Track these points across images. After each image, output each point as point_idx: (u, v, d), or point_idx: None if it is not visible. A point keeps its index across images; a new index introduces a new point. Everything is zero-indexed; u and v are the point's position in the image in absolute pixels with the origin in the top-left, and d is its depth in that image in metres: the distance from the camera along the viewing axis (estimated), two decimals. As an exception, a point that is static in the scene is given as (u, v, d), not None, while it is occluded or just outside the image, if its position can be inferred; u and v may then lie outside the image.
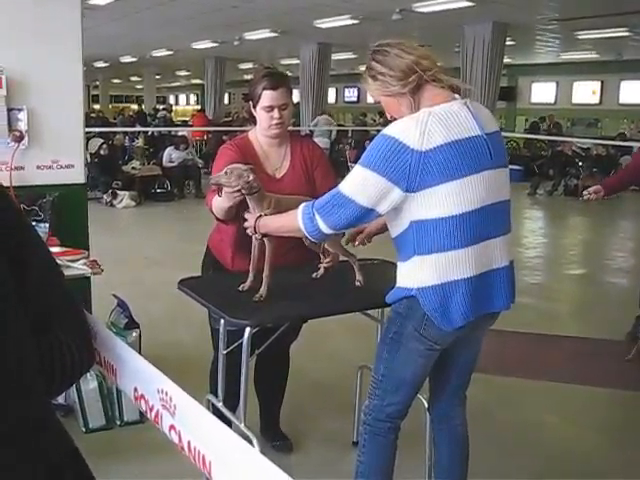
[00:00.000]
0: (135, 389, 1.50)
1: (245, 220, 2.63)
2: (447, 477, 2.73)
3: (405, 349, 2.41)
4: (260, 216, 2.57)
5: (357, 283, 2.82)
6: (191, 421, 1.31)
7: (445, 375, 2.62)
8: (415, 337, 2.37)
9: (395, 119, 2.34)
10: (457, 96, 2.32)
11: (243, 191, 2.57)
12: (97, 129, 15.15)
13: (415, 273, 2.32)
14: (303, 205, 2.37)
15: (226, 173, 2.57)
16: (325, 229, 2.31)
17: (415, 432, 2.85)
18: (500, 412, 4.03)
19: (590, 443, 3.74)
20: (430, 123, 2.18)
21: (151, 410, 1.42)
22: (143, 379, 1.48)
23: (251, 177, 2.55)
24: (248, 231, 2.62)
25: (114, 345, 1.56)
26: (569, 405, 4.29)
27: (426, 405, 2.78)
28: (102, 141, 12.90)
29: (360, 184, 2.24)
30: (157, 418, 1.40)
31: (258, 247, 2.69)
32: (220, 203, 2.75)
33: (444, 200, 2.21)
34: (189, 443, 1.28)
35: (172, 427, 1.34)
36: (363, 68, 2.45)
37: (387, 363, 2.48)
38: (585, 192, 4.97)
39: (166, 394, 1.36)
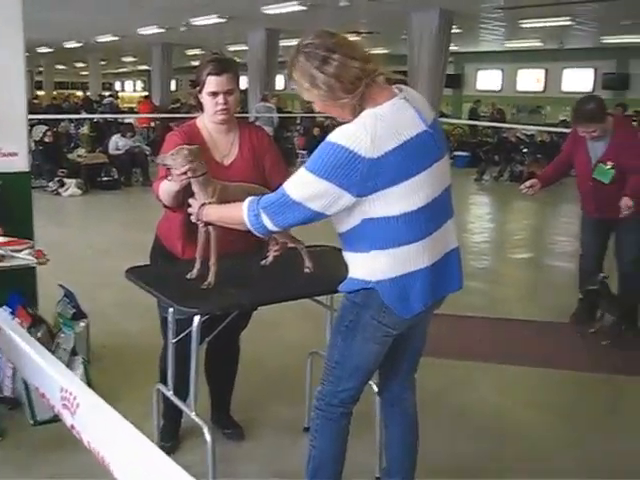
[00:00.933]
0: (37, 388, 1.46)
1: (190, 206, 2.62)
2: (398, 459, 2.77)
3: (361, 337, 2.44)
4: (204, 204, 2.56)
5: (306, 270, 2.83)
6: (91, 421, 1.27)
7: (397, 358, 2.65)
8: (372, 325, 2.40)
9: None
10: (397, 90, 2.30)
11: (189, 173, 2.56)
12: (40, 116, 14.84)
13: (372, 266, 2.34)
14: (248, 201, 2.36)
15: (172, 154, 2.57)
16: (271, 227, 2.32)
17: (365, 416, 2.88)
18: (451, 395, 4.09)
19: (540, 424, 3.81)
20: (379, 128, 2.17)
21: (53, 409, 1.39)
22: (45, 378, 1.43)
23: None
24: (192, 218, 2.61)
25: (17, 343, 1.52)
26: (518, 387, 4.38)
27: (376, 389, 2.81)
28: (46, 128, 12.65)
29: (309, 190, 2.22)
30: (60, 416, 1.37)
31: (204, 235, 2.68)
32: (168, 187, 2.74)
33: (398, 200, 2.23)
34: (89, 443, 1.25)
35: (72, 426, 1.31)
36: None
37: (342, 350, 2.50)
38: (522, 187, 5.09)
39: (70, 393, 1.32)
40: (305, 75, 2.23)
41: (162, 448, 3.27)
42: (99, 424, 1.24)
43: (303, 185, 2.24)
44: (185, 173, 2.57)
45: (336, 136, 2.20)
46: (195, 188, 2.59)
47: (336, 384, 2.54)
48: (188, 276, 2.71)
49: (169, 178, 2.69)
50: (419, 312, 2.39)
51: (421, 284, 2.34)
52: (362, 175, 2.17)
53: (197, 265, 2.72)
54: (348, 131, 2.19)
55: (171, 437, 3.38)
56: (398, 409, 2.75)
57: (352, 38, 2.32)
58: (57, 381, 1.37)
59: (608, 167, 4.85)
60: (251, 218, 2.33)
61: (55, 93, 31.18)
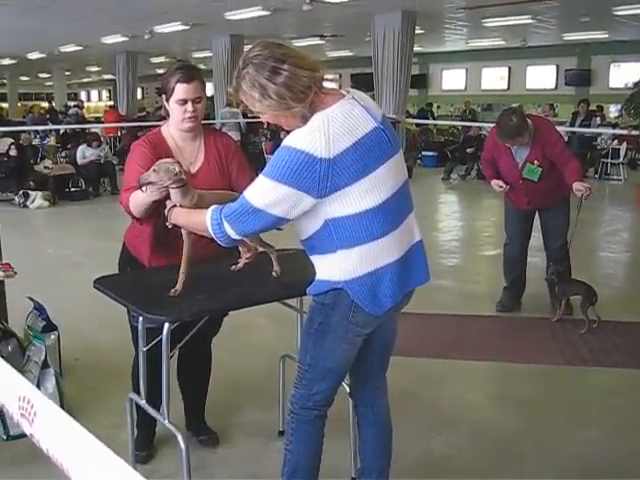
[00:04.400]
0: None
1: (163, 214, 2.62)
2: (373, 459, 2.79)
3: (332, 338, 2.46)
4: (175, 206, 2.56)
5: (274, 274, 2.84)
6: (50, 429, 1.25)
7: (367, 359, 2.67)
8: (343, 326, 2.43)
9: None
10: (343, 91, 2.34)
11: (173, 185, 2.54)
12: (3, 128, 14.70)
13: (340, 266, 2.36)
14: (212, 210, 2.37)
15: (154, 171, 2.54)
16: (234, 235, 2.34)
17: (339, 417, 2.90)
18: (423, 393, 4.12)
19: (513, 419, 3.85)
20: (332, 129, 2.20)
21: (12, 419, 1.38)
22: (1, 387, 1.41)
23: (177, 169, 2.54)
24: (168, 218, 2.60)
25: None
26: (491, 383, 4.44)
27: (348, 390, 2.84)
28: (12, 141, 12.53)
29: (270, 196, 2.24)
30: (20, 426, 1.37)
31: (188, 240, 2.67)
32: (145, 198, 2.69)
33: (358, 197, 2.26)
34: (48, 451, 1.24)
35: (32, 435, 1.30)
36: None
37: (313, 353, 2.51)
38: (501, 190, 5.31)
39: (28, 402, 1.31)
40: (255, 86, 2.24)
41: (137, 457, 3.32)
42: (56, 431, 1.24)
43: (263, 191, 2.26)
44: (167, 187, 2.56)
45: (291, 140, 2.23)
46: (174, 197, 2.58)
47: (309, 387, 2.55)
48: (171, 293, 2.65)
49: (143, 189, 2.64)
50: (389, 308, 2.41)
51: (390, 279, 2.38)
52: (320, 176, 2.19)
53: (179, 278, 2.68)
54: (302, 134, 2.22)
55: (146, 446, 3.38)
56: (370, 410, 2.77)
57: (299, 48, 2.34)
58: (14, 390, 1.36)
59: (536, 165, 5.11)
60: (214, 227, 2.35)
61: (19, 105, 30.90)
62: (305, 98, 2.23)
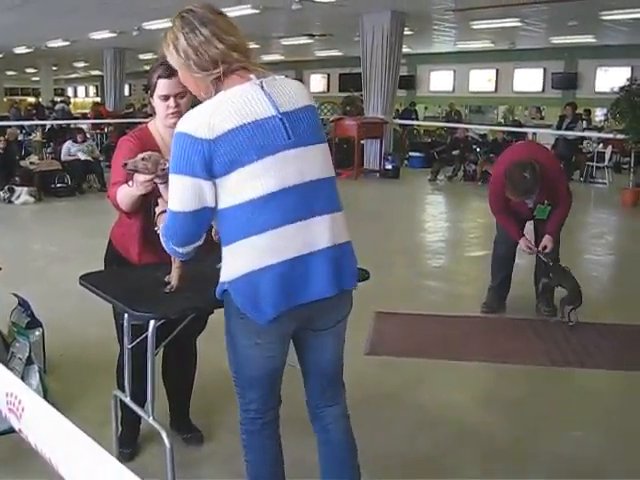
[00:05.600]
0: None
1: (153, 212, 2.62)
2: (332, 475, 2.57)
3: (240, 345, 2.32)
4: (164, 212, 2.55)
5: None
6: (38, 424, 1.25)
7: (303, 374, 2.54)
8: (239, 331, 2.29)
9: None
10: (252, 76, 2.20)
11: (157, 180, 2.55)
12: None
13: (227, 265, 2.24)
14: (162, 227, 2.31)
15: (143, 159, 2.54)
16: (181, 249, 2.27)
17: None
18: (409, 393, 4.09)
19: (496, 419, 3.86)
20: (218, 109, 2.11)
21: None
22: None
23: (167, 165, 2.54)
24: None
25: None
26: (475, 383, 4.43)
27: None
28: (-3, 136, 12.44)
29: (178, 193, 2.16)
30: (8, 421, 1.36)
31: None
32: (130, 191, 2.71)
33: (238, 186, 2.12)
34: (36, 446, 1.25)
35: (20, 430, 1.31)
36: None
37: (233, 360, 2.41)
38: (532, 252, 5.41)
39: (15, 397, 1.31)
40: (173, 37, 2.22)
41: (121, 454, 3.29)
42: (44, 426, 1.24)
43: (171, 190, 2.19)
44: (151, 180, 2.56)
45: (180, 125, 2.17)
46: (163, 194, 2.57)
47: (243, 396, 2.44)
48: (167, 289, 2.66)
49: (130, 184, 2.66)
50: (274, 317, 2.18)
51: (270, 284, 2.15)
52: (205, 158, 2.09)
53: (173, 274, 2.68)
54: (187, 117, 2.17)
55: (130, 443, 3.36)
56: (318, 425, 2.56)
57: (235, 25, 2.28)
58: (1, 385, 1.36)
59: (545, 205, 5.20)
60: (166, 246, 2.29)
61: (5, 100, 30.68)
62: (209, 68, 2.17)
